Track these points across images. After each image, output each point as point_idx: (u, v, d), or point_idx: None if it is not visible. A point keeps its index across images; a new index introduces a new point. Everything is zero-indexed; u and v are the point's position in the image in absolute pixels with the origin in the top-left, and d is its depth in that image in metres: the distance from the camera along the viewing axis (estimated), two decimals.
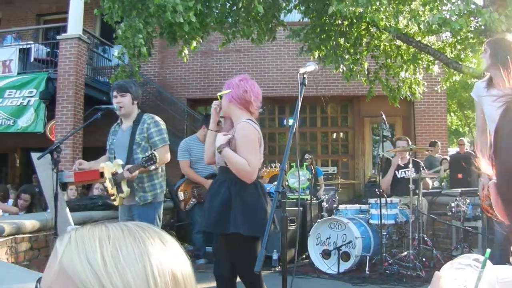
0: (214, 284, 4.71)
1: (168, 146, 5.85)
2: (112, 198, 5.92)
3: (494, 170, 0.97)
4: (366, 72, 12.76)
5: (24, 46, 15.57)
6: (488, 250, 1.02)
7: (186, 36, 10.79)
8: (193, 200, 8.62)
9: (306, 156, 11.89)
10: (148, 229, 1.00)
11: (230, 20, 11.77)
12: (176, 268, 0.96)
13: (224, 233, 4.29)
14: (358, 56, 12.38)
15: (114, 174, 5.68)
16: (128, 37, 10.14)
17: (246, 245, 4.27)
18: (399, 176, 9.38)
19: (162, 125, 5.87)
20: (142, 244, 0.95)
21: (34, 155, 5.96)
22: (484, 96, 5.23)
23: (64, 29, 14.96)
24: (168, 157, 5.87)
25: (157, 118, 5.91)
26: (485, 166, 0.99)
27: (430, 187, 9.92)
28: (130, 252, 0.93)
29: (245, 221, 4.22)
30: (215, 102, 4.67)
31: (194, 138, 8.97)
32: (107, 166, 5.82)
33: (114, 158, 5.88)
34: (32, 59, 15.45)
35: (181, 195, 8.76)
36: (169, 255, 0.97)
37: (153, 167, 5.41)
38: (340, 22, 11.62)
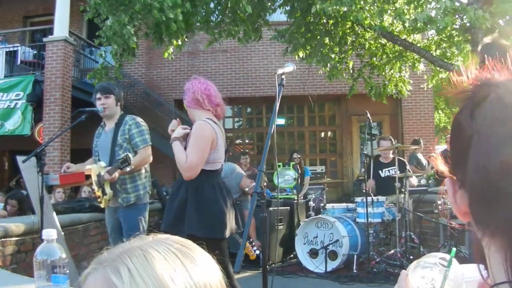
0: None
1: (150, 147, 5.85)
2: (99, 200, 5.95)
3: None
4: (351, 71, 12.77)
5: (11, 49, 15.53)
6: (454, 249, 1.04)
7: (173, 36, 10.78)
8: None
9: (295, 155, 11.89)
10: (190, 246, 1.02)
11: (215, 19, 11.77)
12: (221, 277, 1.00)
13: (180, 234, 4.28)
14: (343, 55, 12.40)
15: (99, 176, 5.71)
16: (116, 30, 10.11)
17: (205, 246, 4.23)
18: (383, 175, 9.41)
19: (144, 126, 5.88)
20: (198, 267, 0.95)
21: (20, 158, 5.96)
22: None
23: (50, 31, 14.90)
24: (149, 158, 5.86)
25: (138, 119, 5.92)
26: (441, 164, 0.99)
27: (416, 185, 9.94)
28: (195, 281, 0.92)
29: (200, 222, 4.25)
30: (172, 123, 4.72)
31: None
32: (93, 168, 5.86)
33: (99, 160, 5.89)
34: (19, 62, 15.40)
35: None
36: (214, 267, 1.00)
37: (128, 168, 5.41)
38: (325, 21, 11.63)
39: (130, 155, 5.38)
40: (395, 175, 8.51)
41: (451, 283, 0.97)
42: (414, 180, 9.70)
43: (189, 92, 4.64)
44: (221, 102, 4.71)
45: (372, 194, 8.60)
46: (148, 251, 0.92)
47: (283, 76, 3.72)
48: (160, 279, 0.87)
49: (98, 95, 5.87)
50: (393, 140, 9.58)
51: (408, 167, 9.23)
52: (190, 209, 4.29)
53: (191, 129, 4.49)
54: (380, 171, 9.43)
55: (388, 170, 9.26)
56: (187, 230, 4.22)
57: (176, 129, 4.68)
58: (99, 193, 5.80)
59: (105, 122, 6.02)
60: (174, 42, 11.44)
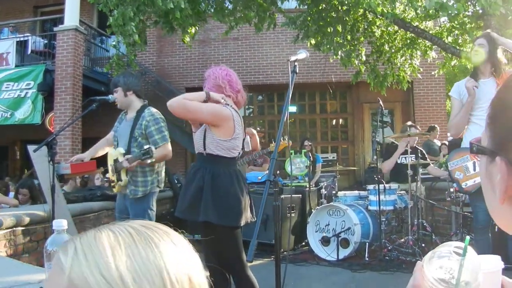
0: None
1: (169, 143, 5.82)
2: (112, 184, 5.97)
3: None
4: (363, 58, 12.71)
5: (21, 39, 15.57)
6: (468, 237, 1.02)
7: (182, 24, 10.76)
8: None
9: (306, 142, 11.83)
10: (157, 230, 0.95)
11: (229, 7, 11.75)
12: (191, 271, 0.92)
13: (195, 220, 4.31)
14: (355, 42, 12.35)
15: (116, 161, 5.71)
16: (121, 24, 10.14)
17: (219, 233, 4.27)
18: (399, 161, 9.36)
19: (162, 121, 5.83)
20: (156, 249, 0.90)
21: (31, 148, 5.97)
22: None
23: (61, 21, 14.93)
24: (168, 154, 5.83)
25: (157, 114, 5.86)
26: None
27: (440, 175, 9.82)
28: (145, 260, 0.87)
29: (216, 209, 4.23)
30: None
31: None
32: (110, 153, 5.91)
33: (117, 145, 5.89)
34: (29, 51, 15.44)
35: None
36: (182, 258, 0.92)
37: (149, 161, 5.41)
38: (337, 8, 11.58)
39: (153, 149, 5.38)
40: (411, 162, 8.45)
41: (467, 271, 0.95)
42: (436, 171, 9.61)
43: (210, 78, 4.62)
44: (241, 89, 4.70)
45: (383, 181, 8.57)
46: (102, 230, 0.91)
47: (296, 63, 3.69)
48: (102, 254, 0.85)
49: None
50: (418, 128, 9.57)
51: (427, 156, 9.19)
52: (206, 196, 4.27)
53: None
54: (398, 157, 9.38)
55: (405, 158, 9.20)
56: (202, 217, 4.23)
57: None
58: (113, 178, 5.84)
59: (127, 110, 6.03)
60: (189, 29, 11.42)
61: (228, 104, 4.48)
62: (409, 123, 9.61)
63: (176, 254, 0.91)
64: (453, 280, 0.95)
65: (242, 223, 4.28)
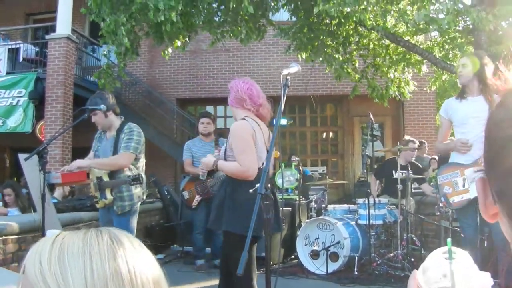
0: (214, 283, 4.74)
1: (130, 154, 5.79)
2: (95, 200, 6.07)
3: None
4: (357, 70, 12.73)
5: (13, 46, 15.52)
6: (449, 240, 1.03)
7: (170, 36, 10.80)
8: (198, 196, 8.67)
9: (293, 158, 11.86)
10: (104, 230, 1.02)
11: (218, 20, 11.77)
12: (120, 266, 0.96)
13: (219, 230, 4.62)
14: (348, 56, 12.39)
15: (99, 179, 5.76)
16: (113, 30, 10.15)
17: (235, 242, 4.35)
18: (395, 176, 9.39)
19: (136, 134, 5.87)
20: (88, 243, 0.96)
21: (22, 157, 5.95)
22: (458, 105, 5.65)
23: (53, 29, 14.90)
24: (122, 163, 5.83)
25: (134, 128, 5.93)
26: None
27: (431, 191, 9.86)
28: (75, 251, 0.94)
29: (235, 220, 4.38)
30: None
31: (196, 139, 9.25)
32: (93, 171, 5.94)
33: None
34: (21, 59, 15.40)
35: (185, 194, 8.87)
36: (115, 254, 0.97)
37: (138, 188, 5.58)
38: (328, 21, 11.62)
39: (143, 175, 5.50)
40: (402, 177, 8.48)
41: (460, 273, 0.96)
42: (428, 188, 9.66)
43: (232, 90, 4.76)
44: (264, 102, 4.78)
45: (373, 195, 8.61)
46: (73, 232, 1.01)
47: (288, 77, 3.73)
48: (46, 246, 0.95)
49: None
50: (417, 142, 9.62)
51: (425, 172, 9.24)
52: (228, 207, 4.47)
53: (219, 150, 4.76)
54: (394, 171, 9.40)
55: (402, 173, 9.23)
56: (224, 227, 4.49)
57: (206, 165, 4.93)
58: (96, 194, 5.93)
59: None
60: (175, 42, 11.46)
61: (247, 117, 4.64)
62: (407, 137, 9.72)
63: (109, 249, 0.97)
64: (449, 285, 0.96)
65: (262, 234, 4.32)
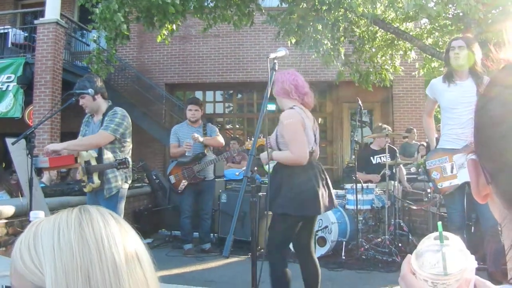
0: (202, 267, 4.73)
1: (107, 134, 5.80)
2: (83, 184, 6.09)
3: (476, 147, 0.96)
4: (342, 57, 12.72)
5: (1, 31, 15.45)
6: (439, 223, 1.03)
7: (165, 20, 10.76)
8: (184, 182, 8.70)
9: None
10: (78, 207, 1.09)
11: (208, 4, 11.74)
12: (85, 231, 1.02)
13: (272, 212, 4.78)
14: (336, 42, 12.36)
15: (87, 163, 5.77)
16: (106, 17, 10.10)
17: (292, 223, 4.78)
18: (374, 162, 9.43)
19: (119, 117, 5.90)
20: (58, 217, 1.05)
21: (9, 141, 5.93)
22: (446, 89, 5.72)
23: (41, 14, 14.83)
24: (96, 142, 5.87)
25: (119, 110, 5.96)
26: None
27: (405, 173, 9.96)
28: (47, 227, 1.01)
29: (292, 202, 4.66)
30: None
31: (183, 123, 9.29)
32: (81, 154, 5.95)
33: None
34: (9, 44, 15.33)
35: (172, 178, 8.94)
36: (80, 221, 1.03)
37: (125, 170, 5.66)
38: (318, 7, 11.58)
39: (129, 159, 5.52)
40: (385, 162, 8.52)
41: (452, 257, 0.96)
42: (403, 171, 9.76)
43: (278, 82, 4.95)
44: (308, 90, 5.02)
45: (361, 181, 8.63)
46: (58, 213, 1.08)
47: (275, 61, 3.77)
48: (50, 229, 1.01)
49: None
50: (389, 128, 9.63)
51: (398, 155, 9.25)
52: (285, 191, 4.72)
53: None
54: (371, 158, 9.45)
55: (380, 157, 9.27)
56: (282, 209, 4.69)
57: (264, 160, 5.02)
58: (84, 178, 5.95)
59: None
60: (169, 26, 11.42)
61: (295, 106, 4.89)
62: (380, 124, 9.76)
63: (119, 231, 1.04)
64: (442, 270, 0.96)
65: (321, 211, 4.83)
